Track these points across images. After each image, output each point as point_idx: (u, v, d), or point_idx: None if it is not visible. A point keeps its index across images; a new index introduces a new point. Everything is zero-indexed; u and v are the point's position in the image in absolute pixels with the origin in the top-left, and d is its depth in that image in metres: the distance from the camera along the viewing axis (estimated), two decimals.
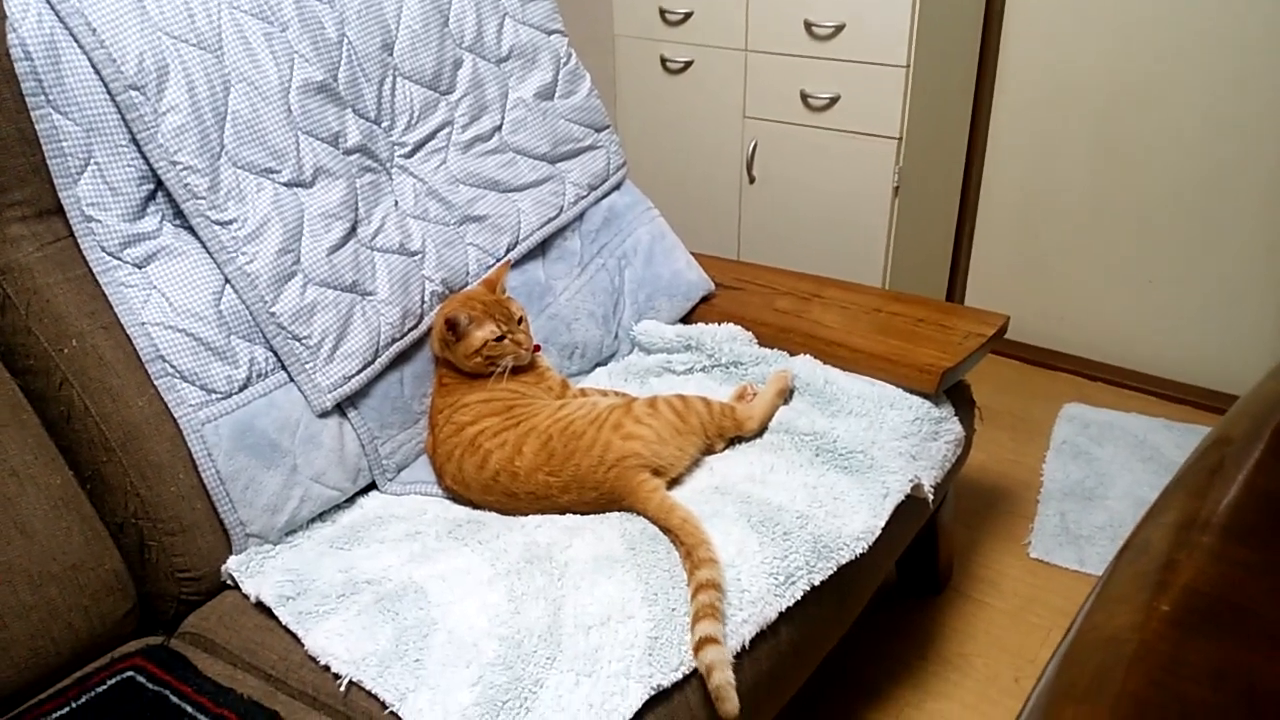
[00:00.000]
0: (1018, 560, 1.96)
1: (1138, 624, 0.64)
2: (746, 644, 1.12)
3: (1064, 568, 1.93)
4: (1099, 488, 2.13)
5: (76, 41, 1.22)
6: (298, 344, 1.32)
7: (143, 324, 1.23)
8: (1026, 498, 2.14)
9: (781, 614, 1.16)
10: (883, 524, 1.28)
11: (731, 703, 1.05)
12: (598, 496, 1.29)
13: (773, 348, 1.65)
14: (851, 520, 1.27)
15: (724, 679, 1.05)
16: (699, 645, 1.07)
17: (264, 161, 1.34)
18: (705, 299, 1.82)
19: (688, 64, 2.55)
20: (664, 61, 2.59)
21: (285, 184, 1.37)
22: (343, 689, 1.05)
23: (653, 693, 1.02)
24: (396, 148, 1.53)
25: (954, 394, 1.57)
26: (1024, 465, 2.24)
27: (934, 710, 1.62)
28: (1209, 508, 0.75)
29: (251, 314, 1.31)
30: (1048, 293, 2.67)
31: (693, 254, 1.87)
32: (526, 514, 1.31)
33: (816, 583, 1.20)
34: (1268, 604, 0.65)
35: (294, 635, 1.12)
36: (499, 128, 1.66)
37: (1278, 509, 0.76)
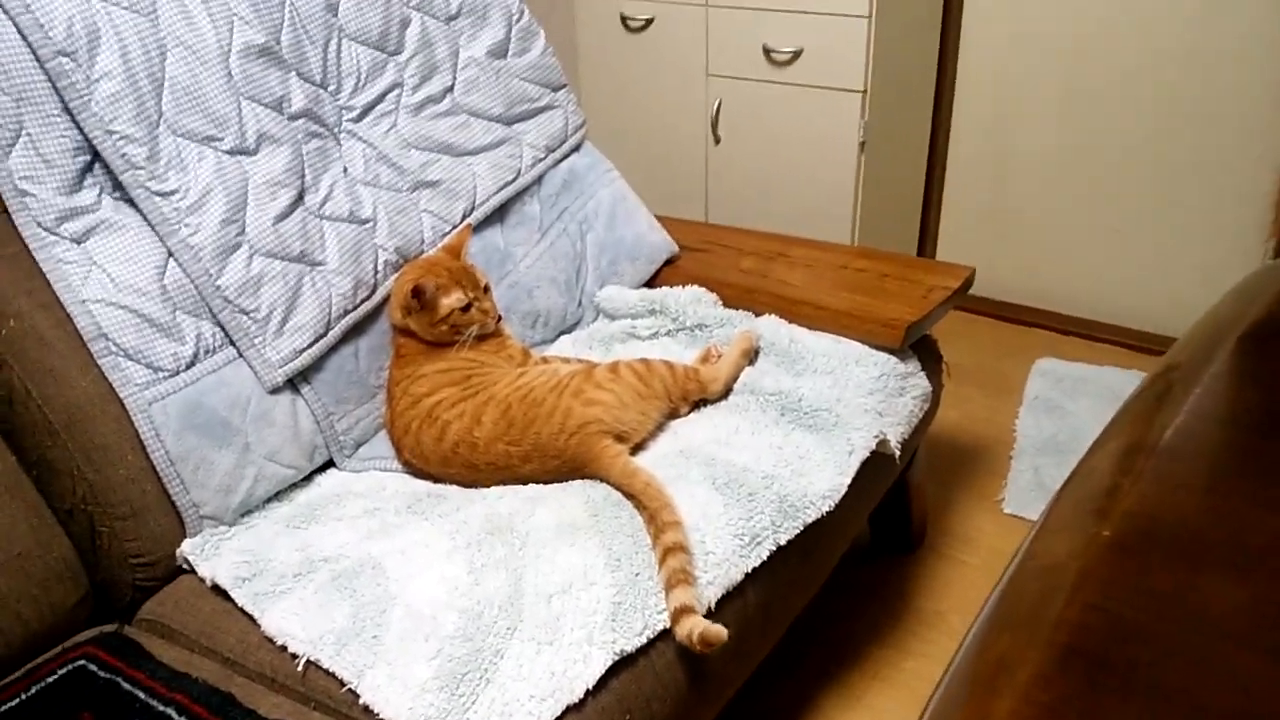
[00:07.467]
0: (991, 516, 1.95)
1: (1076, 551, 0.62)
2: (713, 606, 1.10)
3: None
4: (1072, 442, 2.13)
5: (1, 7, 1.17)
6: (245, 317, 1.28)
7: (83, 301, 1.19)
8: (1000, 454, 2.13)
9: (748, 575, 1.15)
10: (849, 481, 1.27)
11: (717, 631, 1.02)
12: (560, 465, 1.26)
13: (738, 309, 1.62)
14: (817, 479, 1.25)
15: (705, 629, 1.02)
16: (676, 616, 1.04)
17: (205, 129, 1.29)
18: (669, 262, 1.79)
19: (649, 21, 2.49)
20: (624, 19, 2.54)
21: (228, 152, 1.32)
22: (300, 669, 1.02)
23: (616, 658, 1.00)
24: (344, 112, 1.48)
25: (920, 349, 1.55)
26: (997, 422, 2.24)
27: (910, 669, 1.62)
28: (1154, 433, 0.74)
29: (196, 288, 1.27)
30: (1018, 246, 2.65)
31: (657, 217, 1.83)
32: (488, 485, 1.28)
33: (783, 542, 1.18)
34: (1210, 525, 0.64)
35: (251, 617, 1.09)
36: (450, 88, 1.61)
37: (1223, 430, 0.75)
